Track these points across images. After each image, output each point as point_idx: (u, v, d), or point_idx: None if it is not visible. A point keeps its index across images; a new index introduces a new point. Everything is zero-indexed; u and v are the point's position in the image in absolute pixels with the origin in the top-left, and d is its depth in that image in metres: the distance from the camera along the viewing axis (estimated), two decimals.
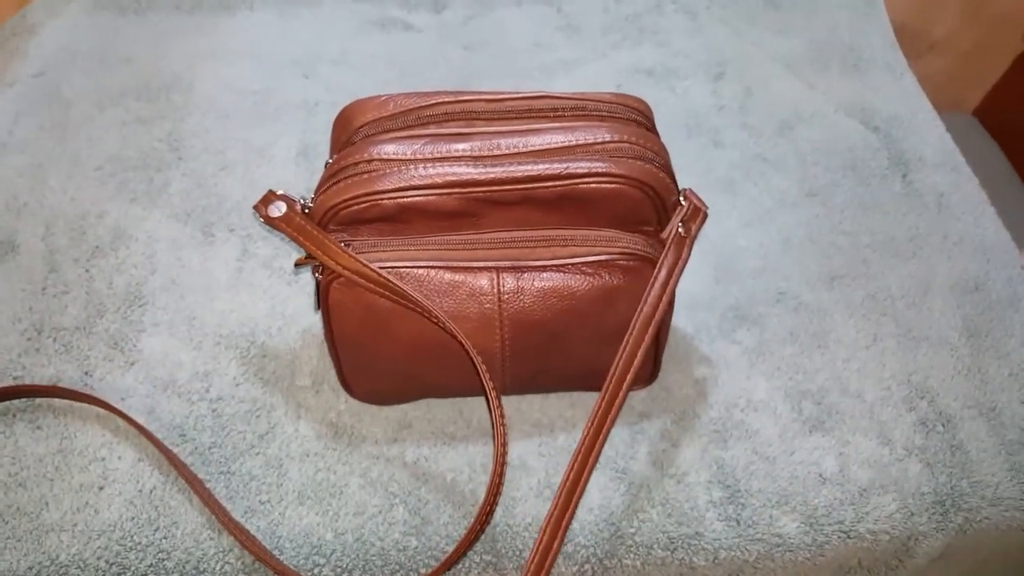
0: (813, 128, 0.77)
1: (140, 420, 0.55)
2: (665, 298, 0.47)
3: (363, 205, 0.46)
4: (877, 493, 0.54)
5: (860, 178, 0.73)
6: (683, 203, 0.49)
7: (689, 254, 0.49)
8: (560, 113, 0.50)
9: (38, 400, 0.55)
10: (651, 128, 0.52)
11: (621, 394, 0.46)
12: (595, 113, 0.50)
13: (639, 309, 0.47)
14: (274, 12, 0.82)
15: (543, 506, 0.52)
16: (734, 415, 0.57)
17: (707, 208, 0.50)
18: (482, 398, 0.56)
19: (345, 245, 0.47)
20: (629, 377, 0.47)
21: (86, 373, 0.57)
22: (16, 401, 0.55)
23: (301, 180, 0.69)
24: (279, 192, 0.47)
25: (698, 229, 0.50)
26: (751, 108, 0.79)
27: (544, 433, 0.55)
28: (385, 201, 0.46)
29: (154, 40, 0.78)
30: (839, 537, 0.52)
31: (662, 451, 0.55)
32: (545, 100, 0.50)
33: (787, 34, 0.88)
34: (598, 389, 0.56)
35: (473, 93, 0.50)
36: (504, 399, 0.56)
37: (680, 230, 0.49)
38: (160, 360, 0.58)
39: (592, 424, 0.46)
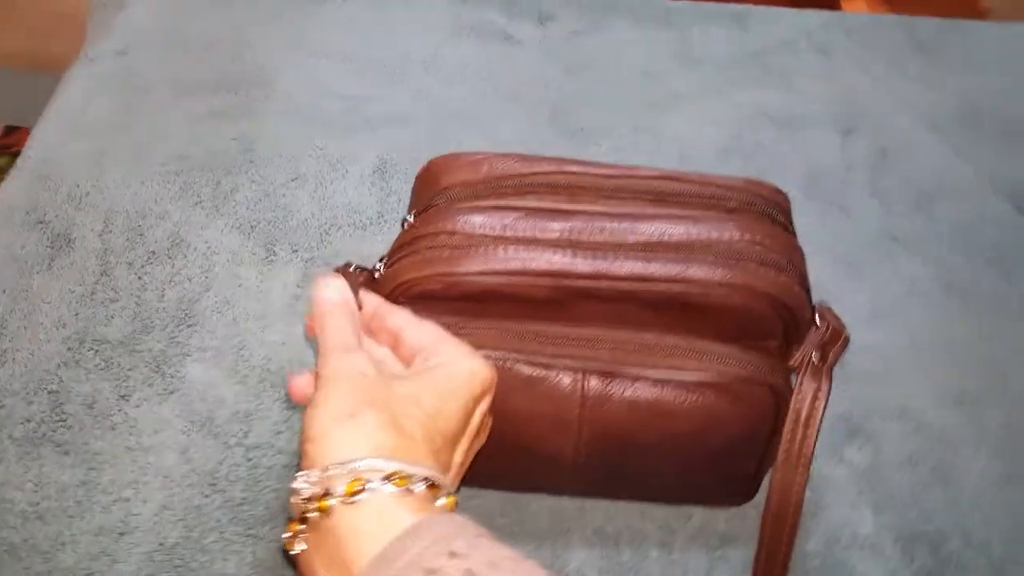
0: (956, 205, 0.65)
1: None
2: (810, 441, 0.38)
3: (438, 286, 0.37)
4: None
5: (1007, 274, 0.61)
6: (819, 324, 0.40)
7: (830, 388, 0.39)
8: (679, 198, 0.41)
9: (70, 420, 0.50)
10: (788, 226, 0.42)
11: None
12: (722, 202, 0.40)
13: (774, 468, 0.38)
14: (366, 6, 0.74)
15: None
16: (835, 552, 0.47)
17: (847, 330, 0.40)
18: (538, 495, 0.48)
19: None
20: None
21: (122, 396, 0.51)
22: (48, 420, 0.49)
23: (374, 202, 0.61)
24: (354, 269, 0.39)
25: (837, 357, 0.40)
26: (885, 172, 0.67)
27: (608, 545, 0.47)
28: (465, 284, 0.37)
29: (240, 26, 0.70)
30: None
31: None
32: (663, 181, 0.41)
33: (934, 86, 0.75)
34: (679, 503, 0.48)
35: (581, 164, 0.41)
36: (565, 500, 0.48)
37: (814, 357, 0.39)
38: (201, 392, 0.51)
39: None
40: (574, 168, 0.42)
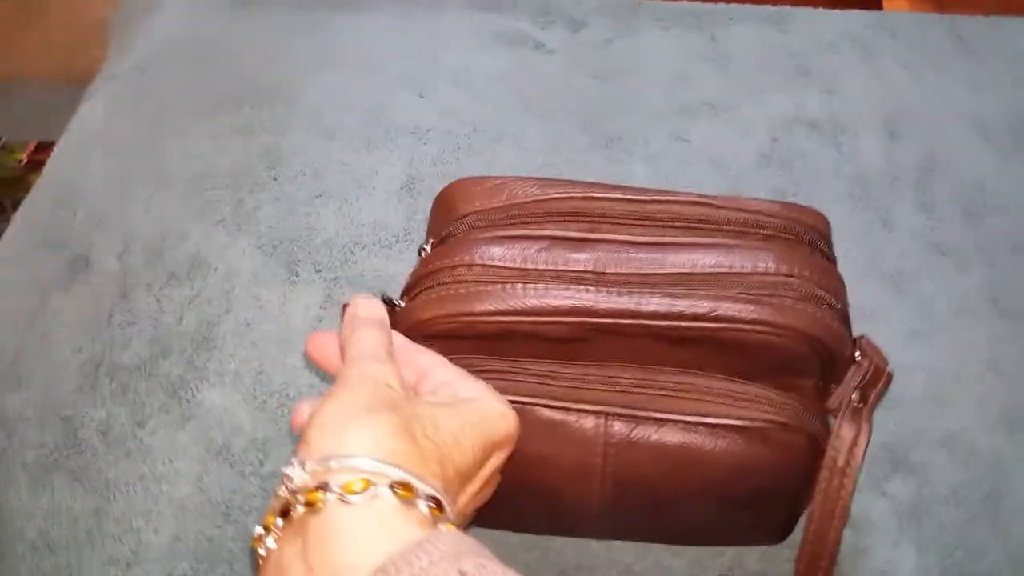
0: (1007, 217, 0.61)
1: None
2: (847, 491, 0.35)
3: (455, 325, 0.35)
4: None
5: None
6: (860, 360, 0.36)
7: (870, 432, 0.35)
8: (710, 224, 0.37)
9: (83, 447, 0.48)
10: (828, 254, 0.39)
11: None
12: (757, 229, 0.37)
13: (809, 518, 0.35)
14: (395, 16, 0.72)
15: None
16: None
17: (890, 367, 0.37)
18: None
19: None
20: None
21: (138, 423, 0.49)
22: (62, 447, 0.48)
23: (400, 219, 0.59)
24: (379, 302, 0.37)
25: (879, 398, 0.36)
26: (931, 182, 0.63)
27: None
28: (483, 324, 0.35)
29: (264, 39, 0.69)
30: None
31: None
32: (695, 207, 0.38)
33: (981, 88, 0.70)
34: (709, 544, 0.44)
35: (605, 187, 0.38)
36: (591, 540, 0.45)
37: (854, 398, 0.36)
38: (218, 419, 0.49)
39: None
40: (598, 193, 0.39)
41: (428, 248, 0.39)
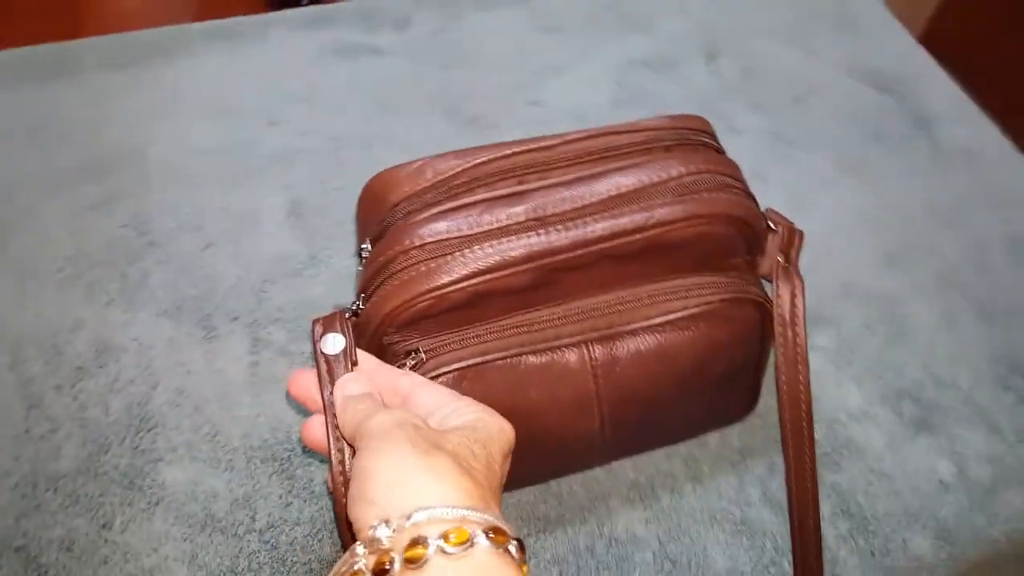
0: (826, 98, 0.70)
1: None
2: (801, 338, 0.40)
3: (426, 303, 0.36)
4: (1001, 488, 0.48)
5: (888, 145, 0.67)
6: (774, 228, 0.42)
7: (803, 283, 0.41)
8: (619, 150, 0.41)
9: (52, 571, 0.44)
10: (719, 148, 0.44)
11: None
12: (657, 143, 0.41)
13: (777, 372, 0.40)
14: (223, 53, 0.70)
15: None
16: (838, 432, 0.50)
17: (797, 225, 0.42)
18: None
19: (415, 354, 0.37)
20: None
21: (103, 526, 0.45)
22: (18, 554, 0.44)
23: (299, 245, 0.58)
24: (347, 314, 0.37)
25: (798, 252, 0.42)
26: (756, 86, 0.71)
27: (645, 496, 0.47)
28: (452, 295, 0.36)
29: (91, 106, 0.64)
30: (974, 546, 0.47)
31: (776, 489, 0.48)
32: (600, 138, 0.41)
33: (772, 5, 0.80)
34: (695, 435, 0.49)
35: (517, 143, 0.40)
36: (594, 468, 0.48)
37: (780, 260, 0.41)
38: (189, 493, 0.47)
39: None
40: (513, 148, 0.41)
41: (368, 247, 0.40)
